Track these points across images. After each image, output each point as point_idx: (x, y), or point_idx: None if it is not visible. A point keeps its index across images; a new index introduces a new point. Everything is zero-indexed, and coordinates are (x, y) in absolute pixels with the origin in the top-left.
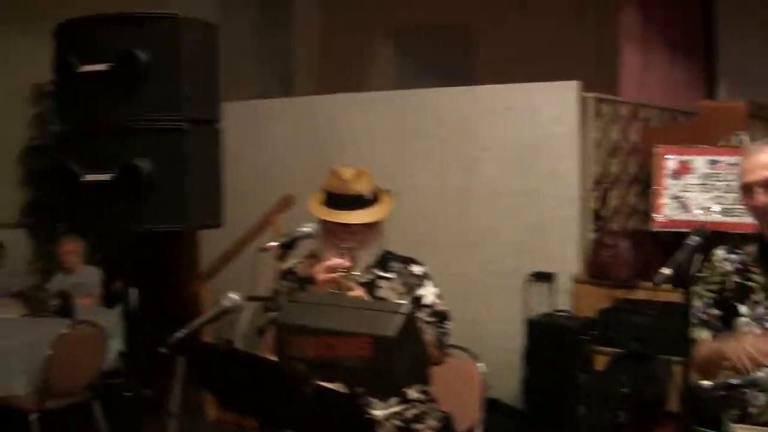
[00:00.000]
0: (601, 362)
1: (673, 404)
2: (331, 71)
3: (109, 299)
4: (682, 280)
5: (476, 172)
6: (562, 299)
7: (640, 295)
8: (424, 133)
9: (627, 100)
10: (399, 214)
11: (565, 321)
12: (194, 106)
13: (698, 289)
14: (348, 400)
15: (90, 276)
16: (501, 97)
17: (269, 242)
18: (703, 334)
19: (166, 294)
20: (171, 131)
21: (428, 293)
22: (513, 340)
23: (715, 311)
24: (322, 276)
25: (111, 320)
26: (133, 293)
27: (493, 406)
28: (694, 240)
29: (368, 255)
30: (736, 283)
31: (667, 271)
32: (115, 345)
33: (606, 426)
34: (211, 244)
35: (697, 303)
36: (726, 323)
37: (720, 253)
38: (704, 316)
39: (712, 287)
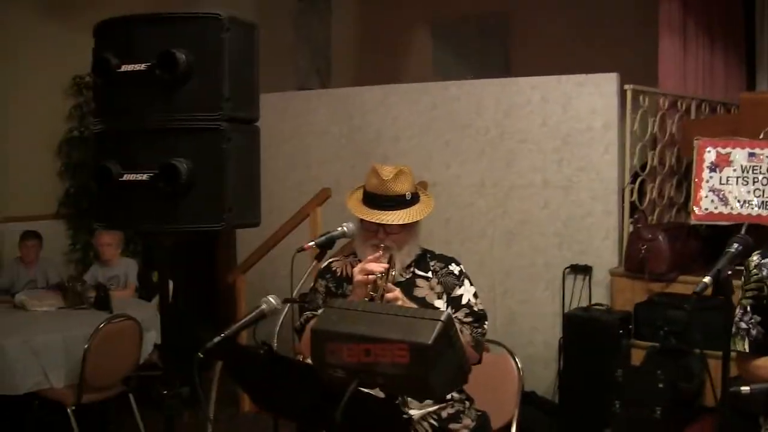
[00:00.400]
0: (637, 357)
1: (710, 399)
2: (369, 62)
3: (145, 291)
4: (722, 289)
5: (514, 164)
6: (599, 293)
7: (678, 289)
8: (461, 125)
9: (666, 92)
10: (436, 206)
11: (602, 315)
12: (234, 105)
13: (738, 297)
14: (385, 401)
15: (127, 268)
16: (539, 88)
17: (307, 242)
18: (742, 345)
19: (204, 286)
20: (210, 131)
21: (466, 293)
22: (550, 334)
23: (755, 317)
24: (359, 277)
25: (148, 313)
26: (170, 286)
27: (528, 399)
28: (734, 247)
29: (406, 254)
30: None
31: (707, 279)
32: (152, 338)
33: (642, 421)
34: (247, 235)
35: (737, 311)
36: (766, 329)
37: (755, 259)
38: (743, 325)
39: (749, 294)
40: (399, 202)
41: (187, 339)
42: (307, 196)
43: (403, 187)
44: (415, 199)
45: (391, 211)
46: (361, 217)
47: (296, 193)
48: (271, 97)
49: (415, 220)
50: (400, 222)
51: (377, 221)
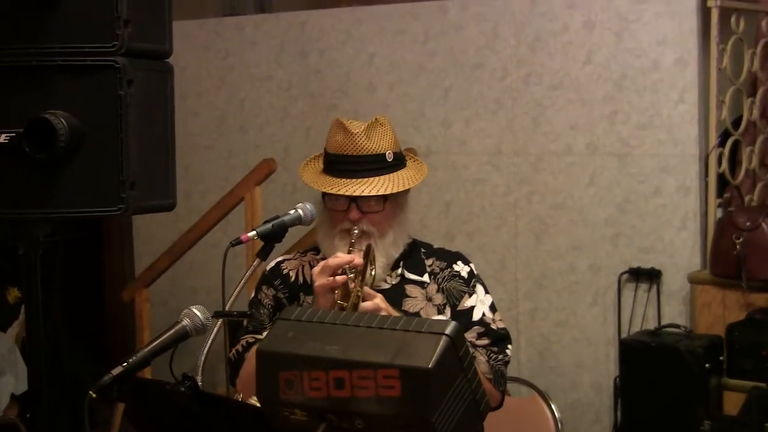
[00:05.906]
0: (733, 403)
1: None
2: None
3: None
4: None
5: (544, 121)
6: (673, 309)
7: None
8: (467, 64)
9: None
10: (432, 184)
11: (678, 342)
12: (136, 32)
13: None
14: None
15: None
16: (580, 7)
17: (244, 232)
18: None
19: (87, 306)
20: (101, 70)
21: (480, 304)
22: (601, 371)
23: None
24: (322, 281)
25: (1, 348)
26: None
27: None
28: None
29: (392, 245)
30: None
31: None
32: (7, 386)
33: None
34: (150, 229)
35: None
36: None
37: None
38: None
39: None
40: (377, 164)
41: (67, 383)
42: (240, 171)
43: (381, 144)
44: (399, 161)
45: (365, 178)
46: (323, 190)
47: (225, 167)
48: (187, 26)
49: (402, 189)
50: (381, 192)
51: (345, 193)
